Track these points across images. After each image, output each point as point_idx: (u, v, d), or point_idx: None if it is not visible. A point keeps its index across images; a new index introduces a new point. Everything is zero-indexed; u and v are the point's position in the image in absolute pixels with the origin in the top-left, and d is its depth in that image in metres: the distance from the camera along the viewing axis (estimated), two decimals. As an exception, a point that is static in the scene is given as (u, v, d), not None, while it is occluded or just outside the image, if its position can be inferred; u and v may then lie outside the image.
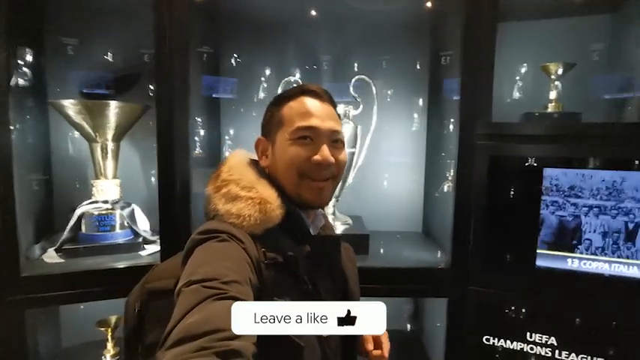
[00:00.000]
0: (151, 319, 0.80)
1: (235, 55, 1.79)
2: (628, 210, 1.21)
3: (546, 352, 1.32)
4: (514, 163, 1.31)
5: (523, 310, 1.35)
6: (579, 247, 1.27)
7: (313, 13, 1.61)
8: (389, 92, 1.83)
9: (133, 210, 1.49)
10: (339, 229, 1.53)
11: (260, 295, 0.70)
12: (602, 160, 1.23)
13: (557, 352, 1.31)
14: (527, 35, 1.58)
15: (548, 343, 1.32)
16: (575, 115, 1.35)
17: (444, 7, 1.52)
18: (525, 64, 1.61)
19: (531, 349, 1.34)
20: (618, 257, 1.23)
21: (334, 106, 0.87)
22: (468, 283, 1.34)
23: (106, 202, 1.44)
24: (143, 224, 1.50)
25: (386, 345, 0.95)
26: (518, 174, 1.31)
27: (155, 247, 1.44)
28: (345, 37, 1.78)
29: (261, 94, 1.82)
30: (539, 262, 1.30)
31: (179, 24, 1.26)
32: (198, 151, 1.58)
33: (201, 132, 1.62)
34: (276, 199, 0.78)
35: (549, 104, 1.41)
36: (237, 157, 0.86)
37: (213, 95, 1.77)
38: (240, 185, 0.78)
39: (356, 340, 0.94)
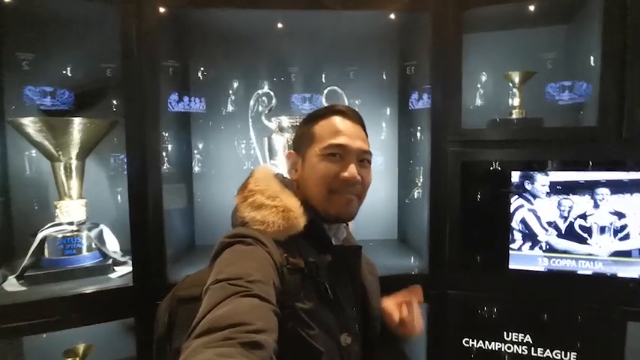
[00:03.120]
0: (179, 324, 0.83)
1: (202, 68, 1.77)
2: (585, 209, 1.28)
3: (522, 351, 1.36)
4: (484, 167, 1.36)
5: (499, 311, 1.39)
6: (547, 246, 1.32)
7: (280, 25, 1.61)
8: (357, 102, 1.84)
9: (101, 231, 1.42)
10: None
11: (282, 298, 0.73)
12: (564, 162, 1.30)
13: (532, 349, 1.35)
14: (489, 45, 1.65)
15: (524, 341, 1.36)
16: (538, 121, 1.41)
17: (409, 18, 1.56)
18: (484, 73, 1.68)
19: (508, 348, 1.37)
20: (582, 255, 1.29)
21: (364, 127, 0.92)
22: (446, 287, 1.37)
23: (71, 223, 1.36)
24: (112, 245, 1.43)
25: (414, 311, 0.92)
26: (488, 178, 1.36)
27: (126, 269, 1.37)
28: (313, 49, 1.79)
29: (230, 108, 1.80)
30: (512, 263, 1.34)
31: (148, 36, 1.23)
32: (166, 166, 1.55)
33: (169, 147, 1.59)
34: (298, 208, 0.82)
35: (513, 110, 1.48)
36: (263, 170, 0.92)
37: (181, 109, 1.73)
38: (265, 195, 0.83)
39: (376, 353, 0.93)
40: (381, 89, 1.85)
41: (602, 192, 1.26)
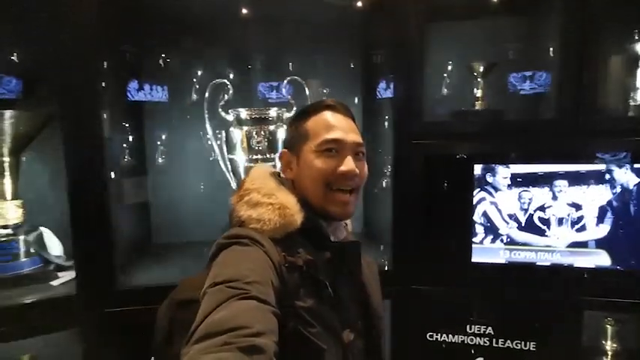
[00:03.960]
0: (179, 328, 0.82)
1: (163, 55, 1.66)
2: (544, 201, 1.29)
3: (485, 342, 1.37)
4: (447, 160, 1.34)
5: (462, 304, 1.39)
6: (508, 239, 1.32)
7: (245, 11, 1.53)
8: (324, 91, 1.79)
9: (41, 234, 1.30)
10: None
11: (282, 297, 0.72)
12: (524, 154, 1.30)
13: (494, 340, 1.36)
14: (456, 35, 1.64)
15: (486, 333, 1.37)
16: (499, 113, 1.40)
17: (374, 6, 1.51)
18: (451, 63, 1.66)
19: (471, 340, 1.38)
20: (541, 247, 1.31)
21: (353, 119, 0.91)
22: (410, 282, 1.35)
23: (5, 227, 1.24)
24: (55, 249, 1.32)
25: None
26: (451, 171, 1.35)
27: (71, 274, 1.27)
28: (279, 36, 1.71)
29: (194, 96, 1.70)
30: (475, 256, 1.34)
31: (87, 18, 1.12)
32: (127, 158, 1.48)
33: (130, 138, 1.51)
34: (294, 205, 0.81)
35: (476, 102, 1.46)
36: (260, 169, 0.91)
37: (142, 98, 1.63)
38: (261, 193, 0.82)
39: (378, 350, 0.93)
40: (349, 77, 1.80)
41: (560, 184, 1.27)
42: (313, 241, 0.82)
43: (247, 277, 0.66)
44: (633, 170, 1.24)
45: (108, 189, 1.19)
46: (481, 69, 1.46)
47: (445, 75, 1.67)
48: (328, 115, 0.86)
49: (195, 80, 1.69)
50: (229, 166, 1.52)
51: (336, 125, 0.85)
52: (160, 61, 1.66)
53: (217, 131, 1.50)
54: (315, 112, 0.87)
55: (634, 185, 1.25)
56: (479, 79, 1.47)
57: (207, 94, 1.48)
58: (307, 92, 1.52)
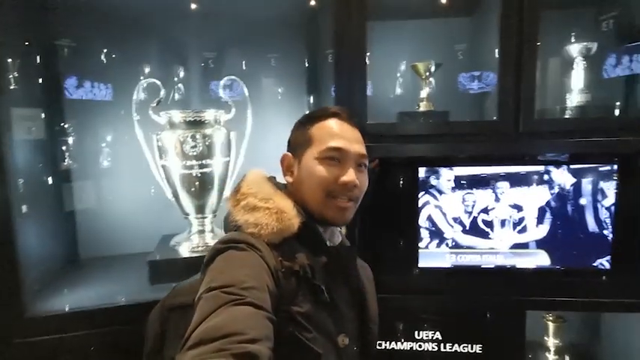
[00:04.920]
0: (171, 334, 0.82)
1: (106, 50, 1.52)
2: (487, 203, 1.28)
3: (433, 348, 1.35)
4: (391, 163, 1.30)
5: (410, 310, 1.36)
6: (453, 243, 1.31)
7: (194, 6, 1.43)
8: (279, 90, 1.73)
9: None
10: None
11: (278, 303, 0.72)
12: (467, 156, 1.29)
13: (442, 345, 1.35)
14: (408, 35, 1.62)
15: (434, 338, 1.35)
16: (444, 114, 1.38)
17: (323, 4, 1.45)
18: (404, 62, 1.63)
19: (420, 346, 1.35)
20: (485, 249, 1.30)
21: (360, 129, 0.90)
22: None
23: None
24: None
25: None
26: (395, 174, 1.31)
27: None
28: (233, 34, 1.63)
29: (142, 95, 1.56)
30: (422, 261, 1.31)
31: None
32: (67, 162, 1.44)
33: (70, 140, 1.45)
34: (291, 210, 0.80)
35: (421, 103, 1.43)
36: (255, 173, 0.89)
37: (83, 96, 1.48)
38: (258, 197, 0.81)
39: (373, 355, 0.94)
40: (304, 77, 1.75)
41: (502, 185, 1.27)
42: (310, 246, 0.82)
43: (243, 283, 0.66)
44: (570, 171, 1.26)
45: (9, 199, 1.04)
46: (423, 70, 1.43)
47: (398, 75, 1.64)
48: (334, 123, 0.86)
49: (142, 79, 1.56)
50: (162, 173, 1.40)
51: (341, 134, 0.84)
52: (103, 57, 1.52)
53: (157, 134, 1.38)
54: (320, 118, 0.87)
55: (571, 185, 1.26)
56: (426, 80, 1.44)
57: (135, 96, 1.36)
58: (246, 92, 1.43)
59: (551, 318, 1.52)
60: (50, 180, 1.40)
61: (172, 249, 1.39)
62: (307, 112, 1.71)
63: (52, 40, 1.40)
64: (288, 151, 0.92)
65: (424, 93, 1.43)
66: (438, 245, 1.30)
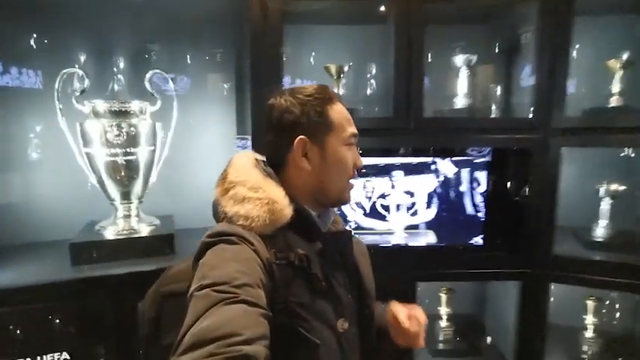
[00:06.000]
0: (166, 321, 0.81)
1: (35, 35, 1.50)
2: (384, 190, 1.47)
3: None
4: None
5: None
6: (356, 225, 1.49)
7: None
8: (225, 86, 1.81)
9: None
10: (145, 230, 1.46)
11: (273, 296, 0.71)
12: (368, 148, 1.47)
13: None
14: (315, 37, 1.77)
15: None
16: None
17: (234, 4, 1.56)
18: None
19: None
20: (383, 230, 1.49)
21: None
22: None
23: None
24: None
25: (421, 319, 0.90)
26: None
27: None
28: (173, 27, 1.66)
29: (76, 84, 1.57)
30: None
31: None
32: None
33: None
34: (283, 199, 0.78)
35: (334, 101, 1.60)
36: (243, 158, 0.85)
37: (9, 83, 1.46)
38: (246, 186, 0.78)
39: (372, 331, 0.92)
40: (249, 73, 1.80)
41: (397, 174, 1.47)
42: (304, 234, 0.80)
43: (236, 280, 0.64)
44: (452, 162, 1.49)
45: None
46: (343, 70, 1.60)
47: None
48: (342, 107, 0.85)
49: (77, 67, 1.58)
50: (87, 161, 1.46)
51: (351, 119, 0.86)
52: (33, 43, 1.50)
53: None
54: (330, 101, 0.84)
55: (453, 174, 1.49)
56: (338, 80, 1.61)
57: (57, 84, 1.40)
58: (172, 86, 1.52)
59: (444, 290, 1.76)
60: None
61: (97, 233, 1.46)
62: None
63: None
64: (296, 131, 0.82)
65: (341, 92, 1.61)
66: (343, 227, 1.48)
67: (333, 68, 1.59)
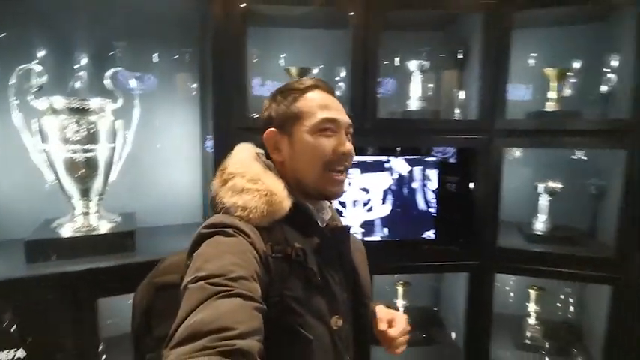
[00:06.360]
0: (159, 312, 0.80)
1: None
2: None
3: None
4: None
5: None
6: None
7: None
8: (193, 86, 1.82)
9: None
10: (105, 227, 1.47)
11: (269, 289, 0.70)
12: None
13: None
14: (285, 40, 1.83)
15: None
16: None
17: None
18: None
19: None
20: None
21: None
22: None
23: None
24: None
25: (401, 326, 0.92)
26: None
27: None
28: (139, 25, 1.66)
29: (35, 80, 1.53)
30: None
31: None
32: None
33: None
34: (282, 191, 0.77)
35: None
36: (243, 150, 0.84)
37: None
38: (246, 178, 0.77)
39: (368, 330, 0.92)
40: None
41: (354, 172, 1.54)
42: (301, 228, 0.80)
43: (231, 273, 0.63)
44: (406, 161, 1.58)
45: None
46: (295, 73, 1.66)
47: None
48: (319, 94, 0.83)
49: (37, 62, 1.55)
50: (44, 158, 1.45)
51: (330, 105, 0.82)
52: None
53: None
54: (304, 90, 0.83)
55: (407, 172, 1.58)
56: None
57: (13, 80, 1.38)
58: (132, 84, 1.53)
59: (400, 283, 1.85)
60: None
61: (53, 230, 1.45)
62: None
63: None
64: (269, 127, 0.84)
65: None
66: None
67: (294, 71, 1.65)
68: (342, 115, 0.83)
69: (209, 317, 0.57)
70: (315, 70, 1.75)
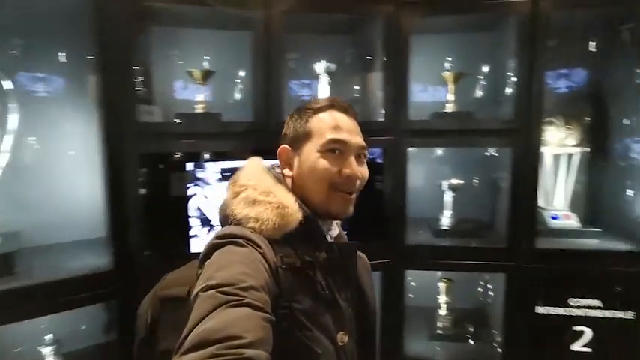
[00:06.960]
0: (164, 326, 0.81)
1: None
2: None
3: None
4: (163, 159, 1.42)
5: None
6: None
7: None
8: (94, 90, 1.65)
9: None
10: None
11: (278, 300, 0.71)
12: (230, 151, 1.50)
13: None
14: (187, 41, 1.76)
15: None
16: (217, 115, 1.57)
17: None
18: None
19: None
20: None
21: (358, 122, 0.88)
22: (134, 284, 1.36)
23: None
24: None
25: None
26: (168, 169, 1.43)
27: None
28: (38, 22, 1.50)
29: None
30: (194, 248, 1.46)
31: None
32: None
33: None
34: (293, 205, 0.78)
35: (199, 105, 1.59)
36: (254, 164, 0.86)
37: None
38: (258, 190, 0.79)
39: (373, 348, 0.95)
40: None
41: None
42: (310, 242, 0.81)
43: (242, 282, 0.65)
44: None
45: None
46: (209, 75, 1.60)
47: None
48: (332, 115, 0.84)
49: None
50: None
51: (342, 126, 0.83)
52: None
53: None
54: (319, 110, 0.85)
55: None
56: (204, 84, 1.61)
57: None
58: (5, 86, 1.37)
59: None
60: None
61: None
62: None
63: None
64: (284, 144, 0.87)
65: (201, 97, 1.60)
66: (209, 232, 1.48)
67: (197, 73, 1.58)
68: (352, 137, 0.84)
69: (218, 325, 0.58)
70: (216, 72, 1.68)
